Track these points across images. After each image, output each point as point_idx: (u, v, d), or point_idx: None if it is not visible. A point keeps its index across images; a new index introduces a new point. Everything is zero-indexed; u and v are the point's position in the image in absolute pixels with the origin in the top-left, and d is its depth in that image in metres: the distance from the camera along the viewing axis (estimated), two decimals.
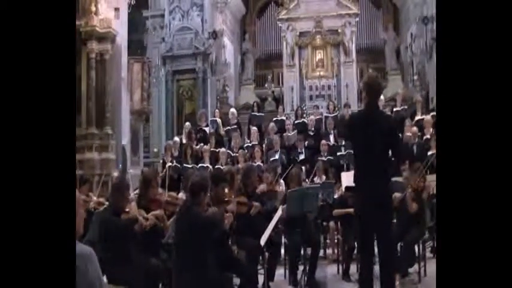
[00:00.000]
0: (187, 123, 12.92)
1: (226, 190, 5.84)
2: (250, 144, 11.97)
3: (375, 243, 5.00)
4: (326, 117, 12.97)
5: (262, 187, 7.02)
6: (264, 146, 11.86)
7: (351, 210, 6.54)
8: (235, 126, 12.92)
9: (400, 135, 9.99)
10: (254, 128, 12.46)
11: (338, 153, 11.24)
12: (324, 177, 9.47)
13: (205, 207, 4.95)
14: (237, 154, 11.30)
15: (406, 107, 13.39)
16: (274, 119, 13.38)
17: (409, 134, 11.20)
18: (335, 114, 13.12)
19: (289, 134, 12.14)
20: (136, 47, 17.78)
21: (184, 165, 10.86)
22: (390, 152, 5.02)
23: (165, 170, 9.68)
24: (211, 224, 4.67)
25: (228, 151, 11.55)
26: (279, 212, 6.08)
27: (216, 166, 10.82)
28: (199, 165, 10.99)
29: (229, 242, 5.86)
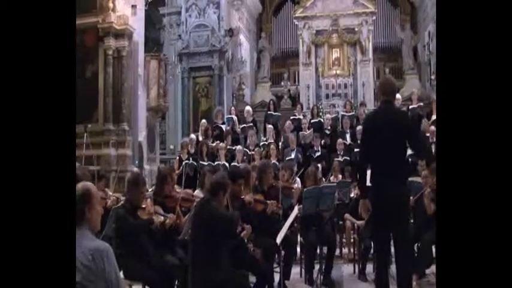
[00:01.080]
0: (204, 121, 12.86)
1: (242, 187, 5.81)
2: (266, 142, 11.94)
3: (391, 243, 4.92)
4: (342, 116, 12.82)
5: (277, 184, 6.96)
6: (280, 144, 11.79)
7: (360, 222, 6.66)
8: (251, 124, 12.87)
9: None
10: (270, 126, 12.38)
11: (355, 150, 11.15)
12: (340, 176, 9.43)
13: (223, 207, 4.90)
14: (253, 152, 11.27)
15: (422, 104, 13.25)
16: (292, 117, 13.26)
17: (427, 134, 11.07)
18: (351, 113, 12.96)
19: (305, 133, 12.06)
20: (153, 44, 17.83)
21: (200, 162, 10.82)
22: (408, 149, 4.94)
23: (181, 167, 9.66)
24: (229, 220, 4.64)
25: (244, 149, 11.53)
26: (295, 211, 6.03)
27: (232, 164, 10.80)
28: (216, 163, 10.94)
29: (246, 240, 5.88)
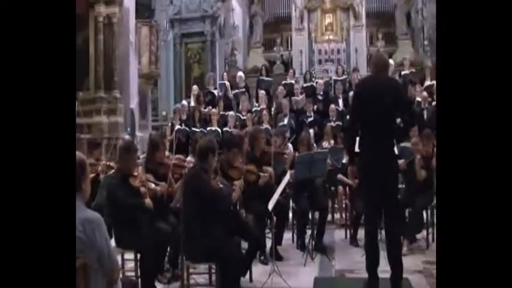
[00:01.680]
0: (195, 87, 12.80)
1: (235, 155, 5.86)
2: (258, 108, 11.89)
3: (382, 209, 4.91)
4: (335, 81, 12.76)
5: (270, 149, 6.97)
6: (272, 109, 11.59)
7: (351, 182, 6.65)
8: (243, 89, 12.79)
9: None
10: (262, 92, 12.30)
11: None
12: (332, 142, 9.35)
13: (214, 175, 4.90)
14: (246, 118, 11.28)
15: (413, 70, 13.20)
16: (283, 82, 13.21)
17: (419, 99, 11.07)
18: (343, 78, 12.94)
19: (297, 98, 12.01)
20: (144, 10, 17.55)
21: (193, 128, 10.84)
22: (399, 116, 4.94)
23: (173, 133, 9.66)
24: (219, 197, 4.65)
25: (237, 114, 11.53)
26: (287, 177, 6.02)
27: (224, 129, 10.81)
28: (208, 128, 10.97)
29: (237, 207, 5.94)
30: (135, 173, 5.12)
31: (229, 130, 10.56)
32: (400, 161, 6.01)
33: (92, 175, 5.52)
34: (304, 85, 12.91)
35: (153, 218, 5.06)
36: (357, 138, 4.88)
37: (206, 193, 4.49)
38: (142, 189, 5.05)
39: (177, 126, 10.76)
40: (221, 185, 4.93)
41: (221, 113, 11.59)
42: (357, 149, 4.92)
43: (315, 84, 12.83)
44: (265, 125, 10.46)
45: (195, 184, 4.53)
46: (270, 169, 6.18)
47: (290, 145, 8.32)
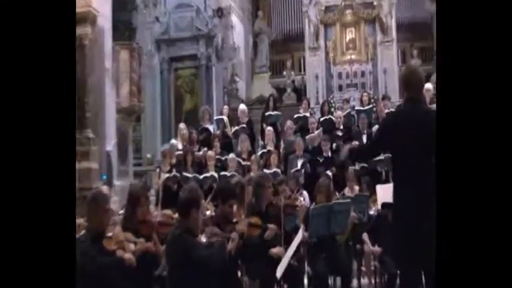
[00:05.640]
0: (182, 125, 12.62)
1: (235, 208, 5.84)
2: (265, 150, 11.79)
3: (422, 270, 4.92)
4: (358, 112, 12.72)
5: (278, 202, 6.80)
6: (281, 149, 11.79)
7: (378, 249, 6.79)
8: (244, 125, 12.70)
9: None
10: (269, 129, 12.21)
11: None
12: (356, 188, 9.39)
13: (200, 231, 4.95)
14: (248, 162, 11.24)
15: None
16: (296, 116, 13.09)
17: None
18: (369, 107, 12.85)
19: (313, 135, 11.94)
20: (124, 30, 17.75)
21: (184, 174, 10.78)
22: None
23: (159, 182, 9.63)
24: (208, 257, 4.66)
25: (238, 159, 11.43)
26: (300, 234, 6.07)
27: (222, 173, 10.78)
28: (203, 175, 10.91)
29: (237, 272, 5.88)
30: (109, 234, 5.08)
31: (228, 175, 10.50)
32: None
33: None
34: (322, 119, 12.93)
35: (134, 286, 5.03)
36: (390, 185, 4.90)
37: (193, 260, 4.48)
38: (120, 252, 5.02)
39: (165, 174, 10.72)
40: (212, 238, 4.96)
41: (217, 157, 11.54)
42: (389, 199, 4.95)
43: (334, 118, 12.77)
44: (273, 169, 10.48)
45: (179, 250, 4.54)
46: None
47: (306, 194, 8.41)
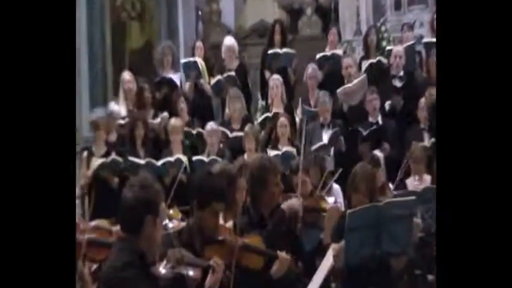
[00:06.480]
0: (127, 74, 9.52)
1: (221, 217, 4.75)
2: (270, 114, 9.25)
3: None
4: (428, 45, 9.74)
5: (292, 203, 5.44)
6: (296, 114, 9.23)
7: None
8: (233, 73, 9.75)
9: None
10: (276, 78, 9.33)
11: None
12: (427, 178, 7.46)
13: (157, 257, 3.93)
14: (240, 133, 8.80)
15: None
16: (320, 55, 10.05)
17: None
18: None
19: (350, 86, 9.03)
20: None
21: (131, 158, 8.31)
22: None
23: (88, 173, 8.22)
24: None
25: (222, 129, 8.95)
26: (329, 257, 5.16)
27: (195, 158, 8.49)
28: (163, 160, 8.40)
29: None
30: None
31: (205, 160, 8.25)
32: None
33: None
34: (365, 59, 10.07)
35: None
36: None
37: None
38: None
39: (100, 158, 8.39)
40: (180, 268, 4.04)
41: (186, 128, 8.95)
42: None
43: (383, 60, 9.89)
44: (283, 148, 8.35)
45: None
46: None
47: (337, 188, 7.10)
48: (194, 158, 8.48)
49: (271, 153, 7.93)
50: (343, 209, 6.32)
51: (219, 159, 8.10)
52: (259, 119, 9.52)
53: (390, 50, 9.92)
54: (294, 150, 8.17)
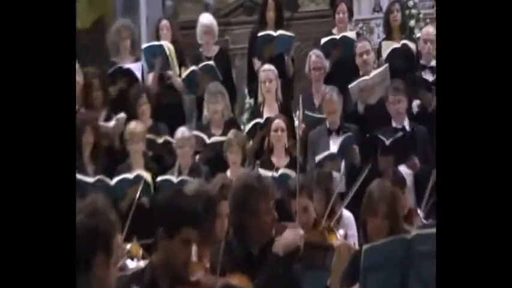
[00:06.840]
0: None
1: (193, 250, 4.02)
2: (261, 120, 7.89)
3: None
4: None
5: (288, 236, 4.53)
6: (295, 116, 7.81)
7: None
8: (211, 62, 8.19)
9: None
10: (267, 68, 7.86)
11: None
12: None
13: None
14: (225, 143, 7.37)
15: None
16: (327, 38, 8.38)
17: None
18: None
19: (366, 78, 7.57)
20: None
21: (78, 176, 6.86)
22: None
23: None
24: None
25: (199, 133, 7.62)
26: None
27: (162, 178, 7.20)
28: (119, 176, 7.10)
29: None
30: None
31: (174, 181, 7.01)
32: None
33: None
34: (388, 46, 8.40)
35: None
36: None
37: None
38: None
39: None
40: None
41: (149, 135, 7.52)
42: None
43: (410, 44, 8.41)
44: (278, 162, 7.33)
45: None
46: None
47: (349, 216, 6.14)
48: (160, 177, 7.26)
49: (262, 172, 6.54)
50: (357, 245, 5.39)
51: (191, 179, 6.67)
52: (248, 125, 8.23)
53: (420, 32, 8.76)
54: (292, 173, 6.77)
